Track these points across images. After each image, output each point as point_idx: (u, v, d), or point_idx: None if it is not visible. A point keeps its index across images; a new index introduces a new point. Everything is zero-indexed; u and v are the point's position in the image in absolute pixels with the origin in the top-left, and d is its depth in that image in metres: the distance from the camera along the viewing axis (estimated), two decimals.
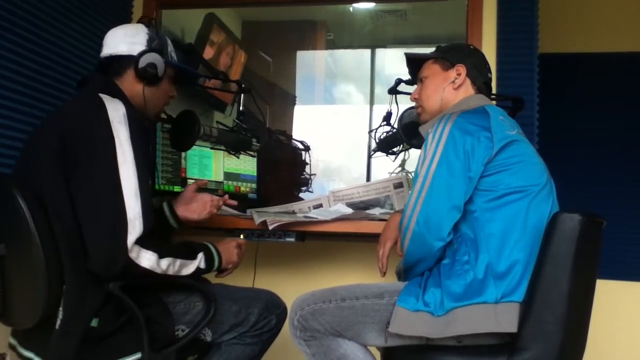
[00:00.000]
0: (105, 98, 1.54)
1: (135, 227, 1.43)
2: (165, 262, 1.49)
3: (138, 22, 1.80)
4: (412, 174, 2.46)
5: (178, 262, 1.53)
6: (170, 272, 1.51)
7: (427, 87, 1.81)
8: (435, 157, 1.55)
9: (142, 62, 1.68)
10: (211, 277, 1.80)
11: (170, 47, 1.81)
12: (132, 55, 1.69)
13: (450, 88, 1.76)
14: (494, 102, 2.05)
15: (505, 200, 1.53)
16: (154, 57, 1.70)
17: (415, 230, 1.55)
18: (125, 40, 1.71)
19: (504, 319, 1.46)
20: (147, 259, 1.45)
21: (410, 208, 1.57)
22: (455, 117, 1.57)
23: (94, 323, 1.46)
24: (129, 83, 1.71)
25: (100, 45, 1.75)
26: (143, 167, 1.51)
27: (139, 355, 1.50)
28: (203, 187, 2.00)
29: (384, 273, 1.76)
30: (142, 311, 1.49)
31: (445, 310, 1.48)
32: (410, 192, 1.61)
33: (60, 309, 1.44)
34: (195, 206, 1.79)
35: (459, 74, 1.75)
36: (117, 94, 1.63)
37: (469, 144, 1.52)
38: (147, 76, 1.70)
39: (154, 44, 1.72)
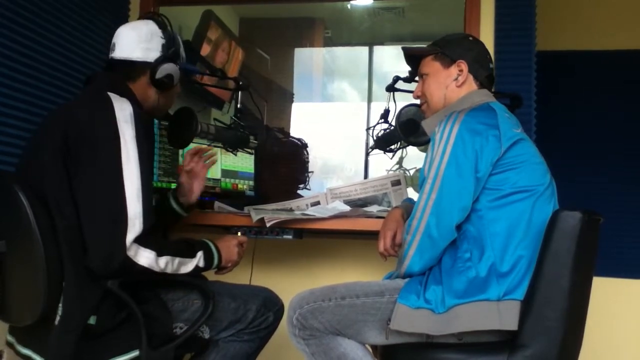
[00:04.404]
0: (113, 97, 1.54)
1: (134, 225, 1.42)
2: (163, 261, 1.48)
3: (146, 17, 1.77)
4: (410, 171, 2.45)
5: (177, 260, 1.53)
6: (169, 270, 1.51)
7: (429, 86, 1.77)
8: (444, 158, 1.52)
9: (160, 74, 1.68)
10: (209, 274, 1.79)
11: (181, 47, 1.79)
12: (148, 62, 1.68)
13: (454, 86, 1.72)
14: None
15: (510, 199, 1.52)
16: (171, 68, 1.70)
17: (425, 232, 1.53)
18: (140, 45, 1.68)
19: (506, 316, 1.45)
20: (145, 257, 1.44)
21: (420, 210, 1.55)
22: (463, 117, 1.54)
23: (92, 320, 1.46)
24: (142, 87, 1.70)
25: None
26: (146, 167, 1.50)
27: (137, 352, 1.49)
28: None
29: (386, 258, 1.75)
30: (140, 308, 1.49)
31: (446, 308, 1.47)
32: (419, 194, 1.59)
33: (60, 305, 1.44)
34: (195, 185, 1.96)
35: (460, 71, 1.71)
36: (127, 94, 1.62)
37: (478, 143, 1.50)
38: (163, 86, 1.71)
39: (170, 52, 1.71)
